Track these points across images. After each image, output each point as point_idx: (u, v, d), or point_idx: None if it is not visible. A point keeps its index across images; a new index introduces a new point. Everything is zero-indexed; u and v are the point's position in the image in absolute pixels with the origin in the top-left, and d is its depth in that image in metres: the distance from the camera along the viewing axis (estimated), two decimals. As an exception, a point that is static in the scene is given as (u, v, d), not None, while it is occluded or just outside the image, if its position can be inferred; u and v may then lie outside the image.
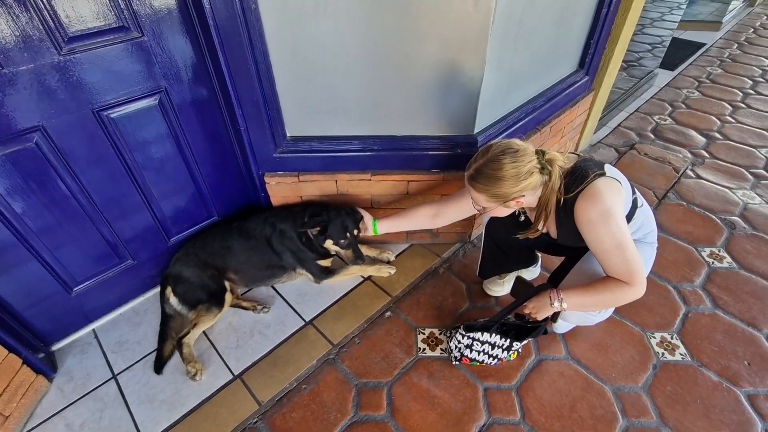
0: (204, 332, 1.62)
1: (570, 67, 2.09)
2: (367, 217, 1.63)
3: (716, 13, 4.58)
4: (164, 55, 1.35)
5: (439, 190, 1.75)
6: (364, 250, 1.88)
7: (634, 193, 1.26)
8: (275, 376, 1.49)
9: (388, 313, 1.71)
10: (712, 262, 1.90)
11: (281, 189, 1.76)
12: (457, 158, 1.67)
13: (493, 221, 1.51)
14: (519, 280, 1.33)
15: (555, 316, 1.30)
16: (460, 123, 1.63)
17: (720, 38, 4.36)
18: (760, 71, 3.66)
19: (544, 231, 1.36)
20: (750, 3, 5.20)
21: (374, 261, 1.91)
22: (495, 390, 1.45)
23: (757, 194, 2.30)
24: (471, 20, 1.36)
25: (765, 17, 4.89)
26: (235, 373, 1.50)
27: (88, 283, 1.58)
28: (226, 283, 1.67)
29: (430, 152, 1.67)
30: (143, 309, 1.74)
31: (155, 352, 1.55)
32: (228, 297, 1.65)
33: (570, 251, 1.48)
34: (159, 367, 1.51)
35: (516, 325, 1.43)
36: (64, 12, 1.14)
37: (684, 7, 4.07)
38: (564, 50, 1.94)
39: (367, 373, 1.51)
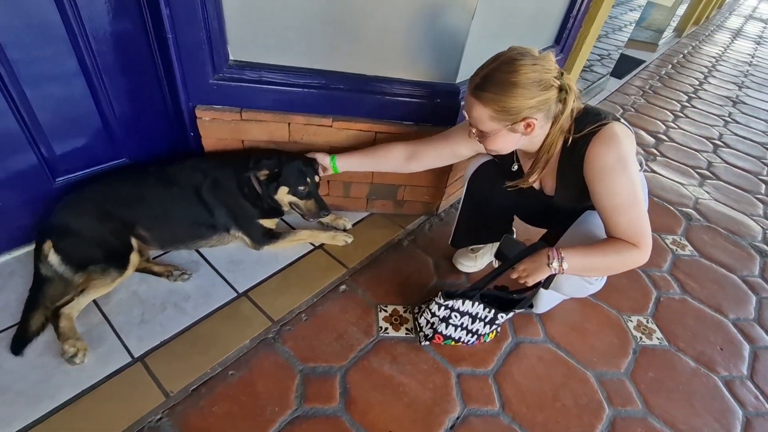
0: (95, 302, 1.21)
1: (548, 40, 1.98)
2: (322, 155, 1.35)
3: (653, 38, 4.95)
4: None
5: (411, 147, 1.50)
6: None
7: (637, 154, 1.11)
8: (192, 360, 1.13)
9: (344, 287, 1.42)
10: (676, 250, 1.86)
11: (217, 128, 1.40)
12: (434, 109, 1.44)
13: (479, 173, 1.29)
14: (507, 239, 1.11)
15: (547, 282, 1.10)
16: (442, 68, 1.41)
17: (656, 58, 4.69)
18: (693, 89, 3.95)
19: (537, 186, 1.17)
20: (678, 34, 5.73)
21: (327, 228, 1.61)
22: (469, 376, 1.22)
23: (705, 191, 2.36)
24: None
25: (691, 47, 5.39)
26: (136, 356, 1.12)
27: None
28: (134, 242, 1.28)
29: (405, 99, 1.42)
30: (8, 271, 1.28)
31: (16, 326, 1.11)
32: (134, 258, 1.25)
33: (555, 221, 1.30)
34: (19, 345, 1.08)
35: (496, 296, 1.22)
36: None
37: (632, 27, 4.32)
38: (546, 16, 1.82)
39: (316, 356, 1.20)
